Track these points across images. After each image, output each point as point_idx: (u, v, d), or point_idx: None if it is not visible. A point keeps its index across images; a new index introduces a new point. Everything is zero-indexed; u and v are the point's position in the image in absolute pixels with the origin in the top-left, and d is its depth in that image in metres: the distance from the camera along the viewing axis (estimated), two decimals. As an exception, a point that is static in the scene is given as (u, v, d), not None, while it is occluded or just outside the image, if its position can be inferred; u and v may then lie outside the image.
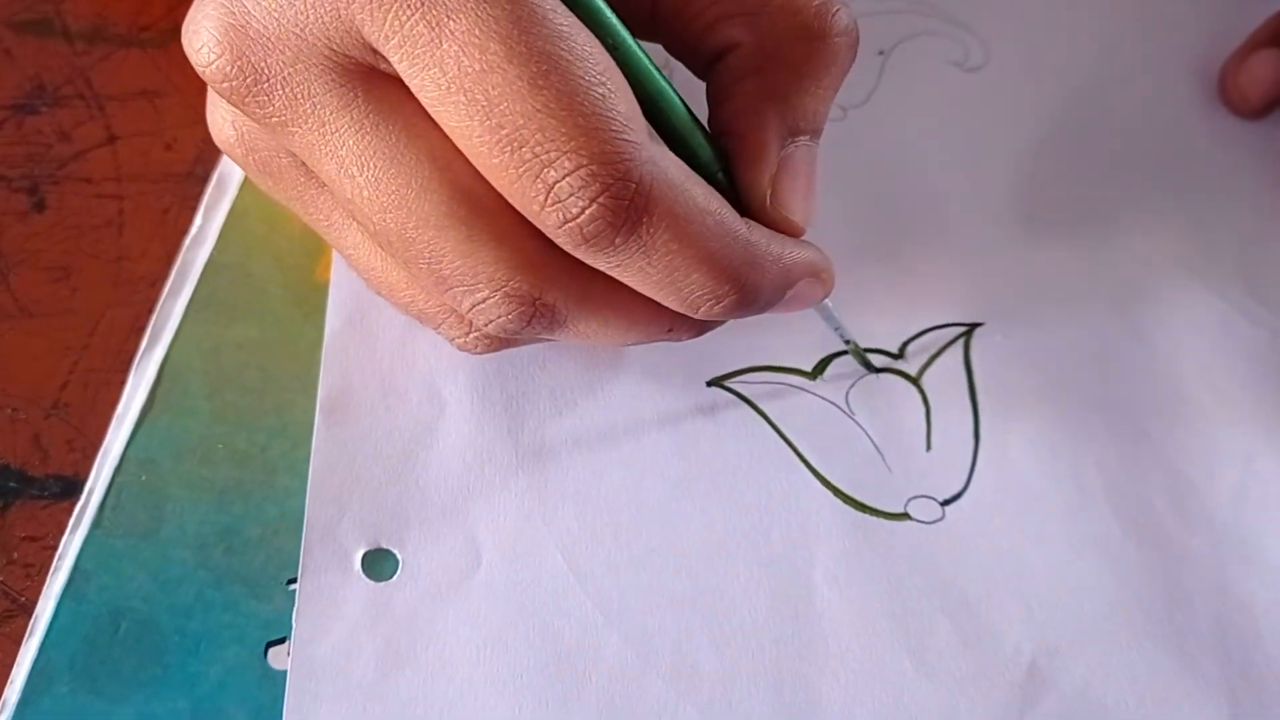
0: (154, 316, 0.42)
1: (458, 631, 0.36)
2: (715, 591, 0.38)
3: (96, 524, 0.38)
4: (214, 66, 0.31)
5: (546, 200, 0.30)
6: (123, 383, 0.41)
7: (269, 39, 0.31)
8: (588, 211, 0.29)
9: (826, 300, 0.38)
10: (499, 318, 0.33)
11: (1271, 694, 0.37)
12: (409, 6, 0.29)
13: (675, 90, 0.33)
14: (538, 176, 0.29)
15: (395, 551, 0.38)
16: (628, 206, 0.30)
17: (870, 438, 0.41)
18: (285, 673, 0.36)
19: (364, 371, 0.41)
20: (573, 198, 0.29)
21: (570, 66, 0.29)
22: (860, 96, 0.51)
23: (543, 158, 0.29)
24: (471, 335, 0.36)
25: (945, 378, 0.43)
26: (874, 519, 0.40)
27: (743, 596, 0.38)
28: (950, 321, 0.44)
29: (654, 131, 0.32)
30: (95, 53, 0.50)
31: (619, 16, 0.32)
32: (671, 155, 0.32)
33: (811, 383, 0.42)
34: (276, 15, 0.30)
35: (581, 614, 0.37)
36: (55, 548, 0.38)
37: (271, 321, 0.43)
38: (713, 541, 0.39)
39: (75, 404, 0.41)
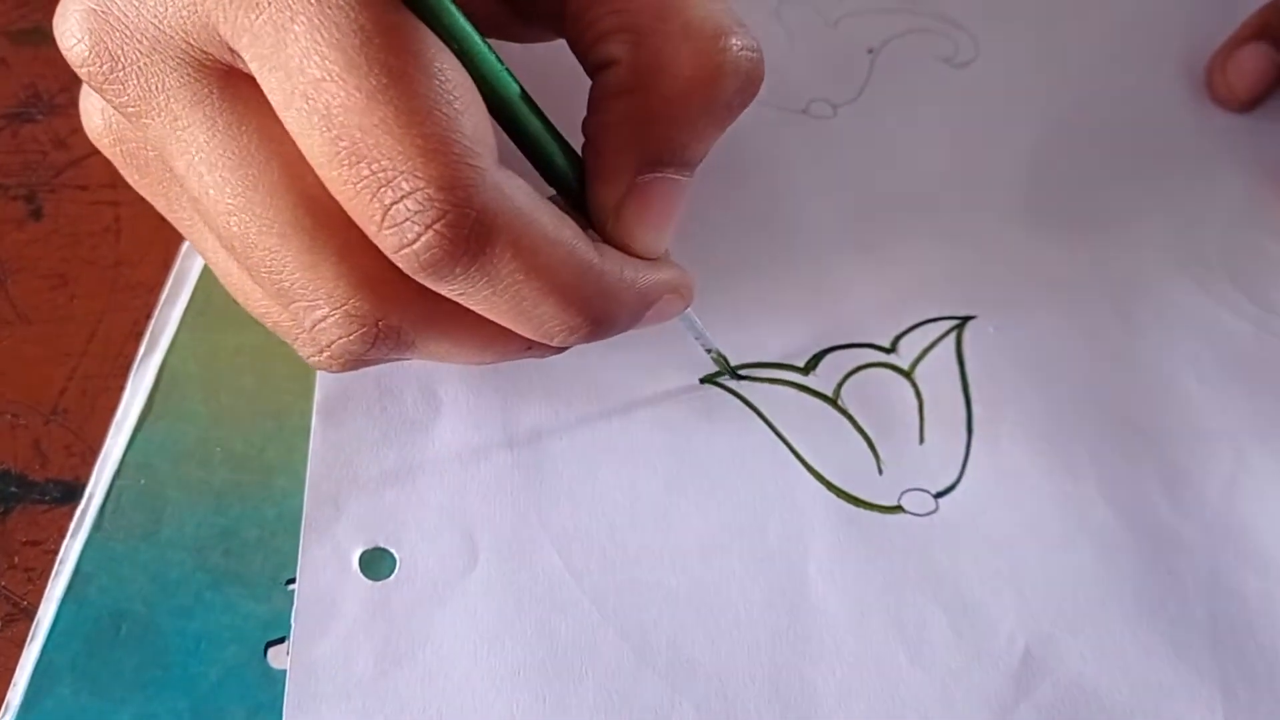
0: (151, 323, 0.43)
1: (455, 630, 0.37)
2: (710, 587, 0.38)
3: (96, 527, 0.38)
4: (74, 50, 0.31)
5: (383, 221, 0.28)
6: (121, 387, 0.41)
7: (127, 27, 0.30)
8: (424, 239, 0.28)
9: (689, 310, 0.38)
10: (339, 338, 0.32)
11: (1263, 681, 0.37)
12: (256, 6, 0.28)
13: (529, 96, 0.32)
14: (374, 195, 0.28)
15: (392, 551, 0.38)
16: (467, 235, 0.28)
17: (864, 432, 0.41)
18: (285, 672, 0.36)
19: (360, 373, 0.41)
20: (409, 222, 0.28)
21: (413, 81, 0.28)
22: (850, 93, 0.52)
23: (380, 175, 0.28)
24: (323, 354, 0.33)
25: (938, 371, 0.43)
26: (868, 512, 0.40)
27: (738, 591, 0.38)
28: (942, 315, 0.45)
29: (509, 146, 0.31)
30: (90, 61, 0.50)
31: (471, 16, 0.31)
32: (519, 181, 0.30)
33: (804, 378, 0.43)
34: (136, 5, 0.30)
35: (578, 611, 0.37)
36: (56, 552, 0.38)
37: (265, 327, 0.43)
38: (707, 537, 0.39)
39: (74, 409, 0.41)
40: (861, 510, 0.40)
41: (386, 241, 0.29)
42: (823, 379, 0.43)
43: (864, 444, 0.41)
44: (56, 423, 0.41)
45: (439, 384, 0.41)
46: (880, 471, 0.41)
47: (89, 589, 0.37)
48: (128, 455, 0.40)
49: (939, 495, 0.40)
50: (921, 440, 0.42)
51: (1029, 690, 0.37)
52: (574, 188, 0.34)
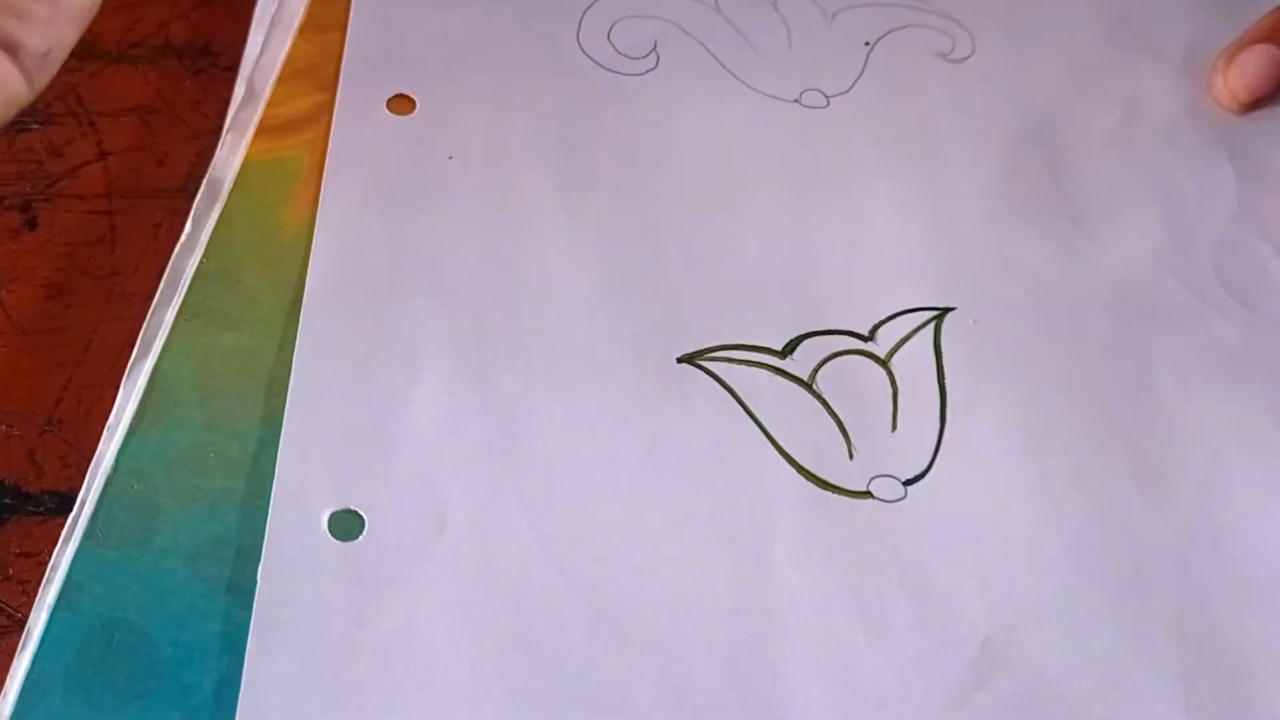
0: (144, 326, 0.42)
1: (421, 593, 0.37)
2: (676, 563, 0.38)
3: (89, 535, 0.38)
4: None
5: None
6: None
7: None
8: None
9: None
10: None
11: (1227, 679, 0.37)
12: None
13: None
14: None
15: (362, 513, 0.38)
16: None
17: (837, 417, 0.42)
18: (278, 682, 0.36)
19: (340, 337, 0.42)
20: None
21: None
22: (844, 84, 0.52)
23: None
24: None
25: (914, 361, 0.43)
26: (836, 496, 0.40)
27: (704, 569, 0.38)
28: (922, 305, 0.45)
29: None
30: (86, 69, 0.51)
31: None
32: None
33: (781, 361, 0.43)
34: None
35: (544, 581, 0.38)
36: (52, 564, 0.38)
37: (262, 329, 0.43)
38: (677, 514, 0.39)
39: (70, 420, 0.41)
40: (830, 494, 0.40)
41: None
42: (799, 363, 0.43)
43: (836, 429, 0.42)
44: (51, 433, 0.41)
45: (418, 352, 0.42)
46: (851, 456, 0.41)
47: (81, 597, 0.37)
48: (120, 461, 0.40)
49: (908, 483, 0.41)
50: (894, 428, 0.42)
51: (988, 679, 0.37)
52: None
